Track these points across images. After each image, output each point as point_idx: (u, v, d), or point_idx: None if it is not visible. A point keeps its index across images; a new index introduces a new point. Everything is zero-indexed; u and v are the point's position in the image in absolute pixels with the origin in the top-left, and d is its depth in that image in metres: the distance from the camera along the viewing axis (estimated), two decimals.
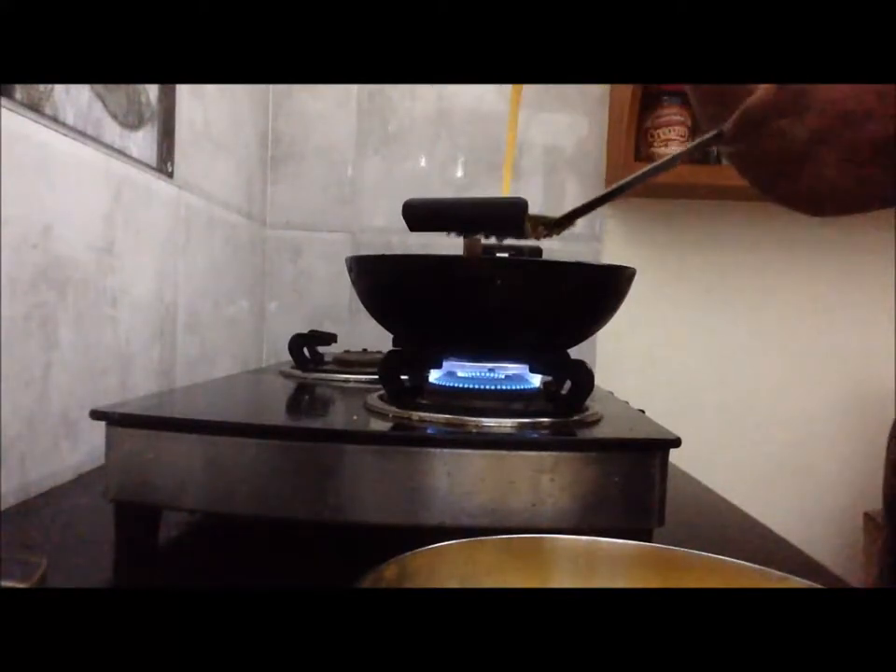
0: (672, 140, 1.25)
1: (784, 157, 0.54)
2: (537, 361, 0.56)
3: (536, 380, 0.59)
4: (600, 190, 1.48)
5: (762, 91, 0.43)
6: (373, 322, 0.59)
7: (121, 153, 0.74)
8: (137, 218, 0.79)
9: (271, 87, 1.34)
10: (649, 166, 0.52)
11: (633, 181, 0.53)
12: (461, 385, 0.57)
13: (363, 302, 0.59)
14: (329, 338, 0.93)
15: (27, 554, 0.30)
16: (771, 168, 0.60)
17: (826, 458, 1.42)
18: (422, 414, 0.51)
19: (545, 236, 0.55)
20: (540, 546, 0.37)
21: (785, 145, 0.53)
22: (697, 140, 0.51)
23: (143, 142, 0.79)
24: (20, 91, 0.57)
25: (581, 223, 1.52)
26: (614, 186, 0.55)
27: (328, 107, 1.36)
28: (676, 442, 0.47)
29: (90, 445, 0.69)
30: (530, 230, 0.53)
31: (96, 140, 0.69)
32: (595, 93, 1.37)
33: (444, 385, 0.58)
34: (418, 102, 1.36)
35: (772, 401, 1.42)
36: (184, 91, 0.91)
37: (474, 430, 0.48)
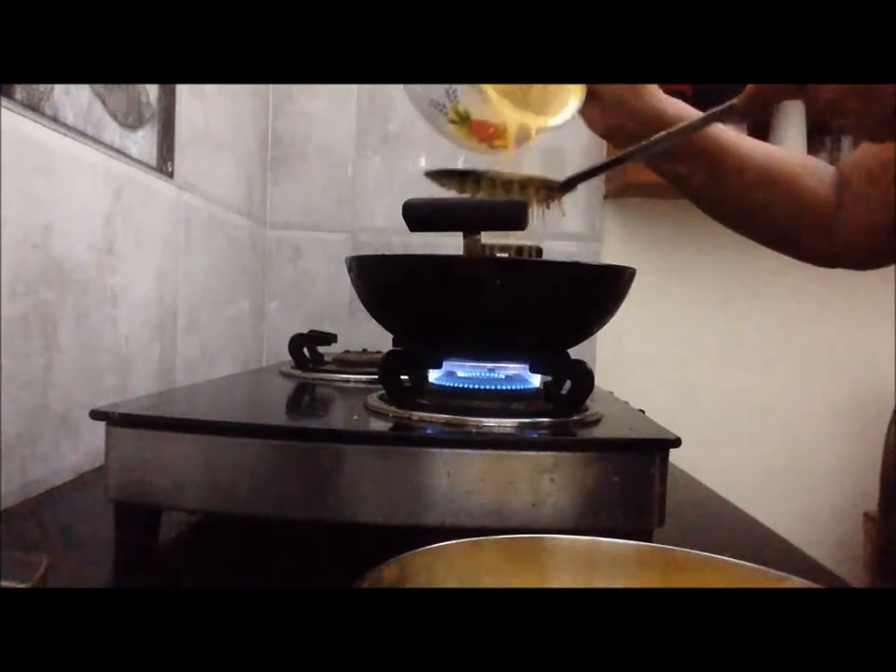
0: None
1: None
2: (537, 361, 0.56)
3: (536, 380, 0.59)
4: (600, 189, 1.47)
5: None
6: (373, 322, 0.59)
7: (121, 153, 0.74)
8: (137, 219, 0.79)
9: (271, 87, 1.34)
10: (658, 135, 0.50)
11: (640, 149, 0.51)
12: (461, 385, 0.57)
13: (363, 302, 0.59)
14: (329, 338, 0.92)
15: (27, 554, 0.30)
16: (745, 204, 0.62)
17: (826, 458, 1.42)
18: (422, 414, 0.51)
19: (547, 200, 0.52)
20: (540, 546, 0.37)
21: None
22: (710, 111, 0.50)
23: (143, 142, 0.79)
24: (20, 90, 0.57)
25: (580, 223, 1.50)
26: (620, 154, 0.53)
27: (328, 107, 1.36)
28: (676, 442, 0.47)
29: (90, 445, 0.68)
30: (532, 194, 0.51)
31: (96, 140, 0.69)
32: None
33: (444, 385, 0.57)
34: None
35: (772, 401, 1.42)
36: (184, 91, 0.91)
37: (474, 430, 0.48)
